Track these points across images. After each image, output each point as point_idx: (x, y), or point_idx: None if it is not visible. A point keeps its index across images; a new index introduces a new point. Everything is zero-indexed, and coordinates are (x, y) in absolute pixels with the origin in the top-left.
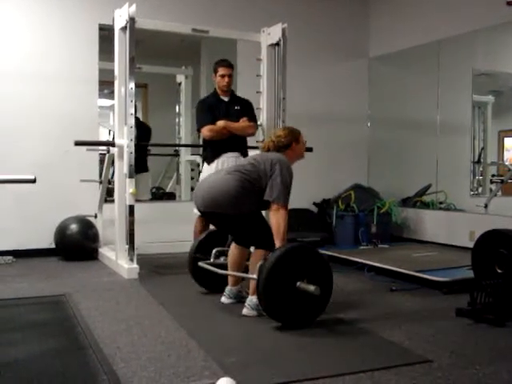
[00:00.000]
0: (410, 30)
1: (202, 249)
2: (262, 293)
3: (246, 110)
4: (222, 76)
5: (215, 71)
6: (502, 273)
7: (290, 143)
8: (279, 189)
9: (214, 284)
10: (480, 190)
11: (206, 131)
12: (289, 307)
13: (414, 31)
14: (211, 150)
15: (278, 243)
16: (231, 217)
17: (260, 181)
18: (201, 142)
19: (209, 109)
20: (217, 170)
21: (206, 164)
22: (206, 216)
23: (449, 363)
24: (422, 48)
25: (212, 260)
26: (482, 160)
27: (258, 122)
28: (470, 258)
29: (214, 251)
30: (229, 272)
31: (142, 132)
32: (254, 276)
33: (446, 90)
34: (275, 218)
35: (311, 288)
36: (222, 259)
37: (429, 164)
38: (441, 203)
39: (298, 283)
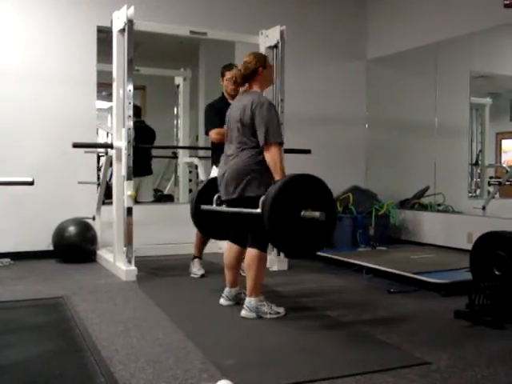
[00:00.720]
0: (407, 31)
1: (203, 198)
2: (267, 225)
3: None
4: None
5: (222, 75)
6: (500, 275)
7: (257, 68)
8: (264, 130)
9: (217, 231)
10: (478, 192)
11: (213, 134)
12: (295, 237)
13: (412, 33)
14: (219, 153)
15: (277, 178)
16: (246, 199)
17: (255, 135)
18: (199, 144)
19: (216, 112)
20: (227, 154)
21: (214, 167)
22: (230, 206)
23: (447, 365)
24: (419, 50)
25: (214, 206)
26: (479, 162)
27: None
28: (468, 260)
29: (215, 197)
30: (232, 209)
31: (146, 135)
32: (258, 210)
33: (443, 92)
34: (269, 157)
35: (316, 214)
36: (223, 206)
37: (427, 166)
38: (439, 205)
39: (303, 212)
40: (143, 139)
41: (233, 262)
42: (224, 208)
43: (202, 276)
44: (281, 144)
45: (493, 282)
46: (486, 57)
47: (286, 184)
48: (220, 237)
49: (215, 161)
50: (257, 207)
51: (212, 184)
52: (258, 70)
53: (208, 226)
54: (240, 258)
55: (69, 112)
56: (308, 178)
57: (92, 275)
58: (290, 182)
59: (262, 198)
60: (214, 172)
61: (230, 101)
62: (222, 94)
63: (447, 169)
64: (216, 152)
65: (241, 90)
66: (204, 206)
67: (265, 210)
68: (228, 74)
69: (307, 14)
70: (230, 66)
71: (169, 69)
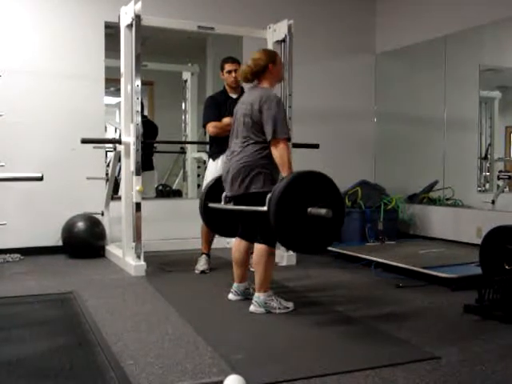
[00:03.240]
0: (416, 25)
1: (212, 195)
2: (273, 222)
3: None
4: (229, 72)
5: (222, 68)
6: (509, 269)
7: (267, 65)
8: (272, 124)
9: (226, 228)
10: (487, 186)
11: (210, 127)
12: (301, 235)
13: (421, 26)
14: (216, 147)
15: (284, 174)
16: (252, 195)
17: (262, 130)
18: (207, 139)
19: (215, 105)
20: (232, 149)
21: (211, 160)
22: (236, 202)
23: (457, 360)
24: (428, 43)
25: (222, 204)
26: (489, 156)
27: None
28: (478, 255)
29: (223, 195)
30: (239, 207)
31: (149, 130)
32: (264, 208)
33: (452, 85)
34: (276, 152)
35: (322, 212)
36: (231, 204)
37: (435, 160)
38: (448, 199)
39: (309, 209)
40: (146, 134)
41: (241, 258)
42: (231, 206)
43: (202, 272)
44: (288, 140)
45: (503, 276)
46: (495, 50)
47: (293, 181)
48: (229, 234)
49: (212, 154)
50: (263, 203)
51: (220, 181)
52: (268, 67)
53: (217, 223)
54: (248, 253)
55: (77, 108)
56: (315, 175)
57: (101, 270)
58: (296, 179)
59: (268, 196)
60: (211, 165)
61: (230, 94)
62: (224, 87)
63: (456, 163)
64: (213, 145)
65: (249, 85)
66: (212, 204)
67: (271, 208)
68: (228, 67)
69: (315, 7)
70: (227, 59)
71: (176, 64)
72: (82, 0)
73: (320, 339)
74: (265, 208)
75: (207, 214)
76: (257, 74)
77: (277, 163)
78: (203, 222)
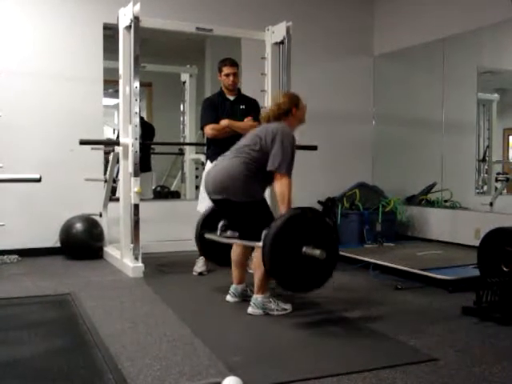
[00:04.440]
0: (415, 27)
1: (207, 224)
2: (267, 260)
3: (252, 109)
4: (227, 75)
5: (220, 71)
6: (507, 271)
7: (290, 109)
8: (280, 157)
9: (222, 257)
10: (485, 188)
11: (208, 130)
12: (296, 273)
13: (419, 29)
14: (214, 148)
15: (283, 210)
16: (240, 204)
17: (264, 156)
18: (205, 141)
19: (213, 107)
20: (224, 154)
21: (208, 162)
22: (217, 204)
23: (455, 362)
24: (427, 46)
25: (219, 233)
26: (487, 158)
27: None
28: (476, 257)
29: (220, 224)
30: (236, 240)
31: (146, 131)
32: (260, 244)
33: (450, 87)
34: (278, 187)
35: (317, 252)
36: (228, 233)
37: (434, 162)
38: (446, 201)
39: (304, 248)
40: (142, 135)
41: (240, 260)
42: (227, 240)
43: (200, 274)
44: (290, 177)
45: (501, 278)
46: (494, 52)
47: (289, 220)
48: (224, 263)
49: (210, 156)
50: (241, 212)
51: (216, 211)
52: (292, 111)
53: (213, 252)
54: (247, 255)
55: (75, 109)
56: (311, 213)
57: (99, 272)
58: (292, 218)
59: (264, 232)
60: (209, 167)
61: (228, 96)
62: (221, 88)
63: (454, 165)
64: (211, 147)
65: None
66: (208, 235)
67: (266, 246)
68: (225, 70)
69: (313, 9)
70: (226, 61)
71: (175, 65)
72: (80, 1)
73: (318, 341)
74: (260, 244)
75: (203, 243)
76: (279, 117)
77: (277, 197)
78: (199, 251)
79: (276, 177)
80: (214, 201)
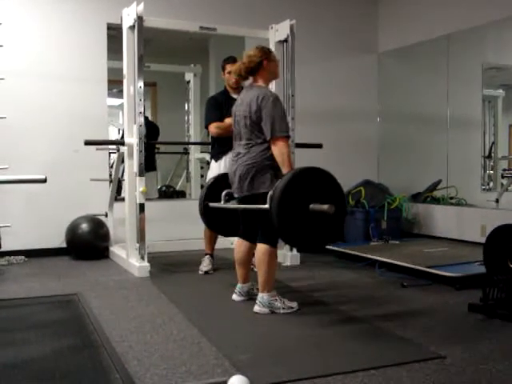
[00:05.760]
0: (419, 24)
1: (211, 195)
2: (275, 220)
3: None
4: (230, 73)
5: (223, 69)
6: None
7: (261, 62)
8: (270, 123)
9: (226, 227)
10: (491, 184)
11: (212, 128)
12: (304, 231)
13: (424, 25)
14: (218, 147)
15: (285, 171)
16: (260, 196)
17: (262, 130)
18: (210, 140)
19: (217, 106)
20: (237, 151)
21: (213, 161)
22: (244, 202)
23: (462, 359)
24: (431, 42)
25: (222, 203)
26: (492, 154)
27: None
28: (482, 254)
29: (223, 194)
30: (239, 206)
31: (150, 131)
32: (266, 206)
33: (456, 84)
34: (276, 150)
35: (324, 207)
36: (231, 202)
37: (439, 159)
38: (451, 198)
39: (311, 205)
40: (147, 135)
41: (243, 258)
42: (231, 205)
43: (206, 273)
44: (287, 137)
45: (507, 275)
46: (499, 48)
47: (293, 178)
48: (229, 233)
49: (214, 155)
50: None
51: (219, 181)
52: (263, 63)
53: (217, 223)
54: (250, 253)
55: (80, 110)
56: (315, 171)
57: (105, 272)
58: (297, 175)
59: (269, 193)
60: (214, 166)
61: (232, 94)
62: (225, 87)
63: (460, 162)
64: (215, 146)
65: (245, 84)
66: (212, 204)
67: (273, 205)
68: (229, 68)
69: (317, 7)
70: (228, 59)
71: (179, 65)
72: (84, 2)
73: (324, 339)
74: (267, 206)
75: (207, 213)
76: (251, 71)
77: (277, 161)
78: (203, 221)
79: (271, 143)
80: (239, 199)
